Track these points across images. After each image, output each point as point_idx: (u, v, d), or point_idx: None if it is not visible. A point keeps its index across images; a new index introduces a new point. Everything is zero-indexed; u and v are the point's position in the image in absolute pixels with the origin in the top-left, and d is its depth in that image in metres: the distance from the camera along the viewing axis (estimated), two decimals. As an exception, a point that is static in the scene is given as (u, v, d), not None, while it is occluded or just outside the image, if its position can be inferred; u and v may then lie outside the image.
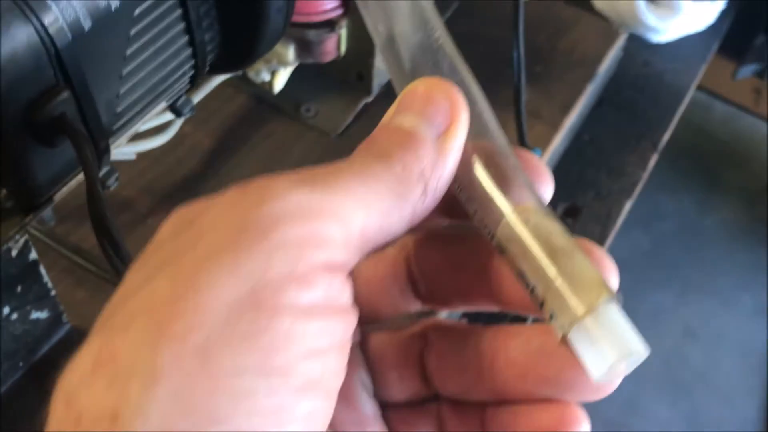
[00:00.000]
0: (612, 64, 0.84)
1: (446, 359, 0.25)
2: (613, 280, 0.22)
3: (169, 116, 0.49)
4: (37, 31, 0.30)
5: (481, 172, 0.23)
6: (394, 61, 0.25)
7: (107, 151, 0.36)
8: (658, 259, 1.60)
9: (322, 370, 0.19)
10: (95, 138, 0.35)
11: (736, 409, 1.44)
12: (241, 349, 0.18)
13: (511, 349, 0.23)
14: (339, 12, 0.60)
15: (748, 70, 1.29)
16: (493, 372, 0.24)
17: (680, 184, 1.71)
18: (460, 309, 0.26)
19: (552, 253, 0.21)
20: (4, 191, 0.35)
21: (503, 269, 0.23)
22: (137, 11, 0.34)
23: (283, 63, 0.63)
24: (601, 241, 0.74)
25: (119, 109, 0.36)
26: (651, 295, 1.55)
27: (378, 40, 0.26)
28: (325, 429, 0.20)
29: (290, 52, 0.61)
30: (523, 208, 0.22)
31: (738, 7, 0.96)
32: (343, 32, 0.62)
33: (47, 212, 0.43)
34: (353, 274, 0.21)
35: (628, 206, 0.77)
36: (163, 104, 0.41)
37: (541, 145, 0.70)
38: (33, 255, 0.44)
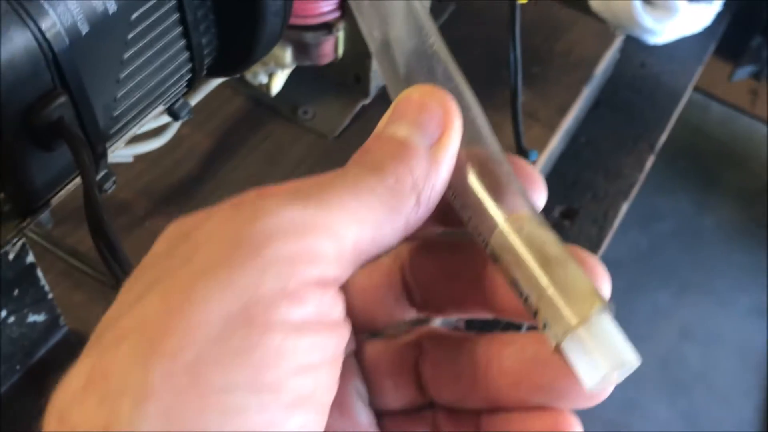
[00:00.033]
0: (609, 66, 0.85)
1: (441, 367, 0.25)
2: (606, 287, 0.22)
3: (166, 119, 0.49)
4: (35, 36, 0.30)
5: (474, 181, 0.23)
6: (389, 67, 0.26)
7: (104, 154, 0.36)
8: (656, 260, 1.60)
9: (314, 386, 0.19)
10: (92, 142, 0.35)
11: (733, 409, 1.45)
12: (232, 366, 0.18)
13: (505, 358, 0.23)
14: (336, 14, 0.60)
15: (744, 72, 1.30)
16: (487, 380, 0.24)
17: (678, 184, 1.71)
18: (455, 316, 0.26)
19: (545, 262, 0.21)
20: (1, 195, 0.35)
21: (497, 277, 0.23)
22: (134, 15, 0.34)
23: (281, 65, 0.63)
24: (597, 243, 0.74)
25: (116, 113, 0.36)
26: (649, 296, 1.55)
27: (373, 46, 0.27)
28: None
29: (288, 55, 0.62)
30: (516, 217, 0.22)
31: (734, 9, 0.97)
32: (341, 35, 0.62)
33: (44, 215, 0.44)
34: (348, 284, 0.21)
35: (624, 208, 0.77)
36: (160, 107, 0.41)
37: (538, 146, 0.70)
38: (30, 258, 0.44)
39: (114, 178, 0.39)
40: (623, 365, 0.20)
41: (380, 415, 0.26)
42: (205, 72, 0.42)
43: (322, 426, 0.20)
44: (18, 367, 0.49)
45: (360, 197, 0.21)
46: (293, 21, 0.58)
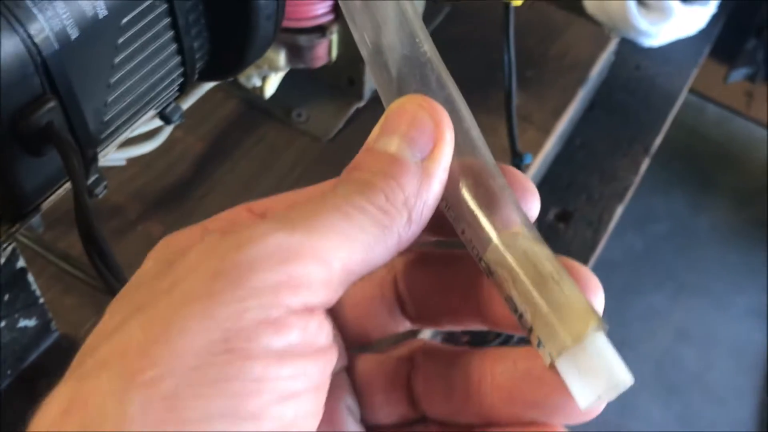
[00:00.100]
0: (604, 68, 0.85)
1: (433, 382, 0.25)
2: (599, 300, 0.22)
3: (159, 122, 0.48)
4: (23, 41, 0.30)
5: (467, 194, 0.23)
6: (381, 74, 0.25)
7: (95, 159, 0.36)
8: (651, 261, 1.61)
9: (296, 413, 0.19)
10: (83, 147, 0.34)
11: (729, 410, 1.45)
12: (212, 396, 0.18)
13: (498, 374, 0.23)
14: (330, 17, 0.60)
15: (739, 74, 1.30)
16: (480, 395, 0.23)
17: (673, 186, 1.71)
18: (449, 328, 0.26)
19: (539, 279, 0.21)
20: (-10, 200, 0.35)
21: (491, 289, 0.23)
22: (124, 20, 0.34)
23: (274, 68, 0.63)
24: (592, 245, 0.74)
25: (107, 118, 0.36)
26: (644, 297, 1.55)
27: (365, 52, 0.26)
28: None
29: (281, 57, 0.61)
30: (510, 233, 0.22)
31: (729, 11, 0.97)
32: (334, 37, 0.62)
33: (35, 219, 0.43)
34: (339, 298, 0.21)
35: (620, 210, 0.77)
36: (151, 112, 0.41)
37: (533, 149, 0.70)
38: (21, 263, 0.44)
39: (105, 183, 0.39)
40: (617, 385, 0.20)
41: (371, 430, 0.26)
42: (197, 76, 0.41)
43: None
44: (9, 372, 0.49)
45: (350, 218, 0.21)
46: (287, 24, 0.58)
